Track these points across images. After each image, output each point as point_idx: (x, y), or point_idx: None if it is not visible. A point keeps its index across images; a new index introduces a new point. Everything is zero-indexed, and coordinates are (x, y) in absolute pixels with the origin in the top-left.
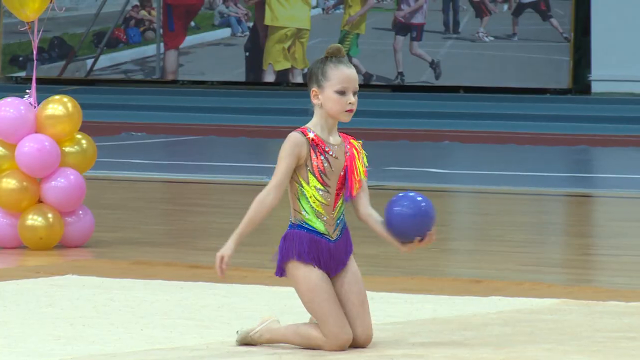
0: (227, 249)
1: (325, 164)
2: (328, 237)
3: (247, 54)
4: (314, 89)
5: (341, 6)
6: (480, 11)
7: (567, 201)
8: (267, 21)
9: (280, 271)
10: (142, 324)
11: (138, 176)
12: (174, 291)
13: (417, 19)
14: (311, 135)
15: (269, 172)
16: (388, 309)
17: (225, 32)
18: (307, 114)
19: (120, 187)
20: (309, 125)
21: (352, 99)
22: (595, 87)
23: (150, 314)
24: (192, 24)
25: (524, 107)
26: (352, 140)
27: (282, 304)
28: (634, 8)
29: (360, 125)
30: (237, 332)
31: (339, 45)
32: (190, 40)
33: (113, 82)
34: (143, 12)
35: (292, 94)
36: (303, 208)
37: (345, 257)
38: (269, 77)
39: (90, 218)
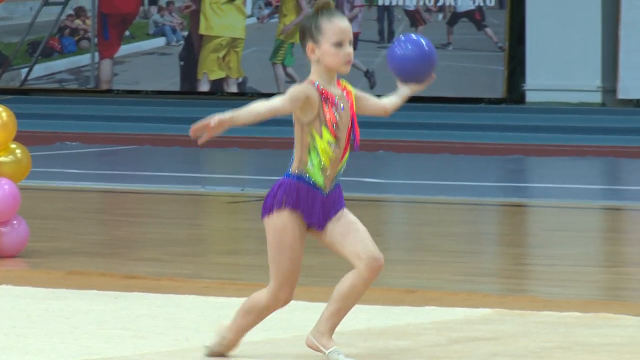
0: (221, 114)
1: (337, 117)
2: (322, 190)
3: (182, 63)
4: (310, 44)
5: (276, 15)
6: (415, 20)
7: (502, 211)
8: (202, 30)
9: (263, 214)
10: (77, 334)
11: (73, 186)
12: (109, 301)
13: (352, 29)
14: (321, 87)
15: (204, 181)
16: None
17: (160, 41)
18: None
19: (55, 197)
20: (311, 78)
21: (349, 49)
22: (530, 97)
23: (85, 324)
24: (127, 33)
25: (459, 117)
26: (347, 86)
27: (216, 314)
28: (568, 18)
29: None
30: (206, 346)
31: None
32: (125, 49)
33: (48, 91)
34: (78, 21)
35: (227, 103)
36: (310, 161)
37: (334, 208)
38: (204, 87)
39: (25, 228)
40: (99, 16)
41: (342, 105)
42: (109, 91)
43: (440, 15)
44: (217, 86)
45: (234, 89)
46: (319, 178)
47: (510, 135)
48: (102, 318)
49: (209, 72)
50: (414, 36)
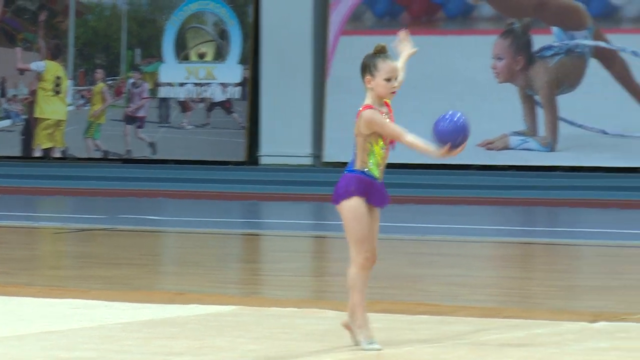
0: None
1: None
2: (377, 179)
3: (23, 137)
4: (368, 77)
5: (88, 104)
6: (185, 107)
7: (242, 238)
8: (37, 114)
9: (338, 200)
10: None
11: None
12: None
13: (141, 113)
14: (376, 109)
15: (37, 218)
16: (113, 315)
17: (7, 122)
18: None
19: None
20: (368, 102)
21: (395, 84)
22: (264, 160)
23: None
24: None
25: (213, 174)
26: (389, 104)
27: (43, 311)
28: (287, 106)
29: (96, 186)
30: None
31: (384, 44)
32: None
33: None
34: None
35: (53, 165)
36: (370, 161)
37: (386, 194)
38: (38, 153)
39: None
40: None
41: (387, 120)
42: None
43: (202, 104)
44: (47, 153)
45: (58, 154)
46: (375, 171)
47: (249, 187)
48: None
49: (41, 143)
50: (451, 114)
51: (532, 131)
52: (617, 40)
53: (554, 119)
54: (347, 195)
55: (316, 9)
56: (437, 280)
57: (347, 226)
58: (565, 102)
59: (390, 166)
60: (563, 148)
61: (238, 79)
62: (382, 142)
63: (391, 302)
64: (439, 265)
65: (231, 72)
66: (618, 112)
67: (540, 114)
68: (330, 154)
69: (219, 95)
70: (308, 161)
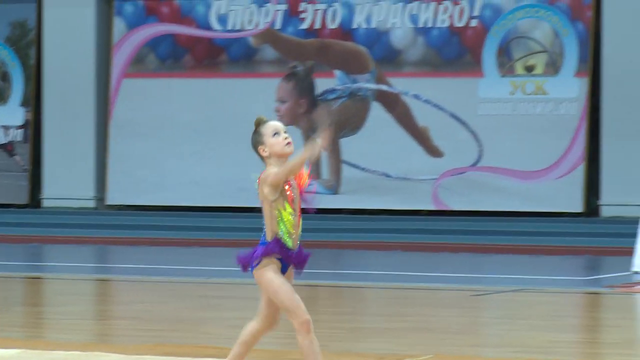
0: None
1: (294, 193)
2: (292, 250)
3: None
4: (260, 147)
5: None
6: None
7: (25, 282)
8: None
9: (251, 268)
10: None
11: None
12: None
13: None
14: None
15: None
16: None
17: None
18: None
19: None
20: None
21: (285, 135)
22: (46, 203)
23: None
24: None
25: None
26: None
27: None
28: (74, 148)
29: None
30: None
31: (259, 116)
32: None
33: None
34: None
35: None
36: (280, 229)
37: (305, 258)
38: None
39: None
40: None
41: (293, 183)
42: None
43: None
44: None
45: None
46: (288, 241)
47: (31, 230)
48: None
49: None
50: None
51: (315, 174)
52: (399, 84)
53: (337, 162)
54: (259, 262)
55: (99, 52)
56: (222, 323)
57: (272, 295)
58: (349, 145)
59: (174, 208)
60: (346, 191)
61: (20, 122)
62: (290, 208)
63: (176, 345)
64: (224, 307)
65: (13, 114)
66: (400, 155)
67: (324, 157)
68: (114, 197)
69: (0, 138)
70: (91, 204)
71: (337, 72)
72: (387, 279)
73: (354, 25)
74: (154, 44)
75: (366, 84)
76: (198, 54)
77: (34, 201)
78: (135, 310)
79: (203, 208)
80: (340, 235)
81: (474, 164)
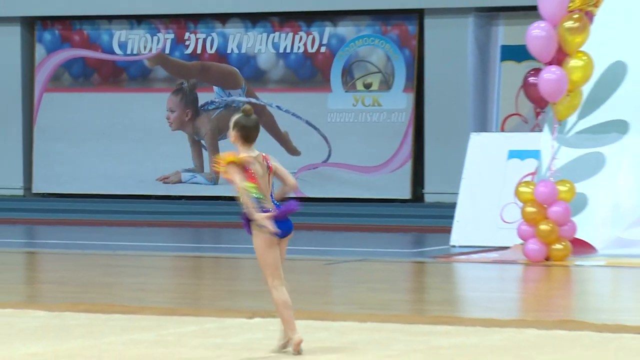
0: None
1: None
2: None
3: None
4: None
5: None
6: None
7: None
8: None
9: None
10: None
11: None
12: None
13: None
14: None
15: None
16: None
17: None
18: None
19: None
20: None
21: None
22: (35, 188)
23: None
24: None
25: None
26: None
27: None
28: (4, 149)
29: None
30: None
31: (246, 105)
32: None
33: None
34: None
35: None
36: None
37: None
38: None
39: None
40: None
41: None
42: None
43: None
44: None
45: None
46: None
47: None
48: None
49: None
50: None
51: (199, 168)
52: (264, 97)
53: None
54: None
55: (24, 71)
56: (127, 287)
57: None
58: (225, 147)
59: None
60: (223, 182)
61: None
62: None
63: (91, 304)
64: (127, 274)
65: None
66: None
67: (206, 155)
68: (38, 186)
69: None
70: (20, 192)
71: (216, 88)
72: (243, 252)
73: (229, 51)
74: (68, 65)
75: (238, 97)
76: (104, 73)
77: None
78: (57, 276)
79: (109, 195)
80: (218, 217)
81: (325, 161)
